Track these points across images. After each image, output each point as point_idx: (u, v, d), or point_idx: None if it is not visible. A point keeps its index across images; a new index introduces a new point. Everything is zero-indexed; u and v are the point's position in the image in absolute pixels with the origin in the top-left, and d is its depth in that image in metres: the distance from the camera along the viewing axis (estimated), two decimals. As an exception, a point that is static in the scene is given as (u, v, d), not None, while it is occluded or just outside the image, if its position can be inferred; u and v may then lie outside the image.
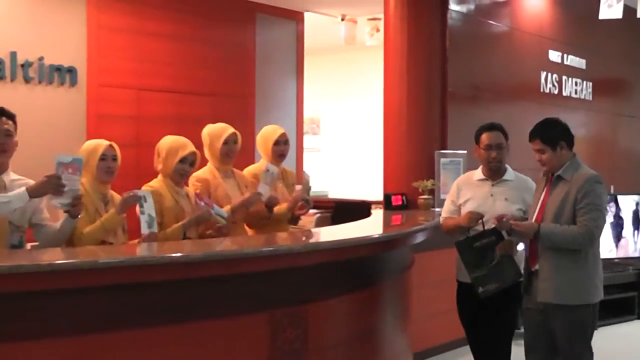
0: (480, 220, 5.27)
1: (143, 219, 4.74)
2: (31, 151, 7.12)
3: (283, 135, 6.09)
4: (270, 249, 4.36)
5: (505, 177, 5.51)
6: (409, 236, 5.66)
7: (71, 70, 7.84)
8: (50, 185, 4.31)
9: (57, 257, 3.79)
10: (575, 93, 10.95)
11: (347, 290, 5.00)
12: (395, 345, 5.81)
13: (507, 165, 5.58)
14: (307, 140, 12.06)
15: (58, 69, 7.73)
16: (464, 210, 5.46)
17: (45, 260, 3.69)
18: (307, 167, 10.77)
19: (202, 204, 5.10)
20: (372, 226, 6.08)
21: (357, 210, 7.60)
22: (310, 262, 4.50)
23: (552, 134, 5.06)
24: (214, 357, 4.19)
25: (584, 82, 11.18)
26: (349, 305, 5.05)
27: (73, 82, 7.86)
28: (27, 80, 7.50)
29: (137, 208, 4.79)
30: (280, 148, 6.06)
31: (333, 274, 4.86)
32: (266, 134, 6.13)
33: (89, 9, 8.00)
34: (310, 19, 10.49)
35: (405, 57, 7.68)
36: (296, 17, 10.33)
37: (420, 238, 5.91)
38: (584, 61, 11.12)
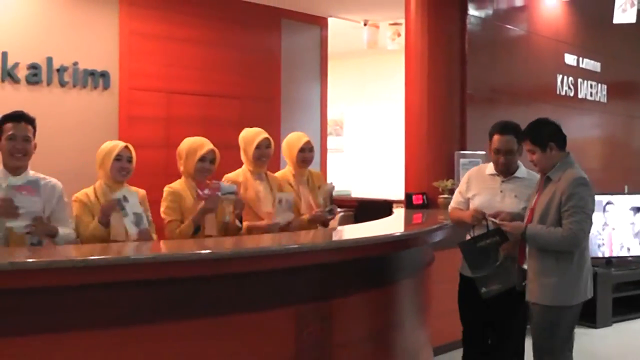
0: (484, 220, 5.19)
1: (128, 220, 4.71)
2: (65, 152, 7.23)
3: (308, 142, 6.05)
4: (296, 246, 4.36)
5: (516, 175, 5.39)
6: (429, 234, 5.64)
7: (104, 75, 7.89)
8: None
9: (90, 253, 3.81)
10: (590, 95, 10.88)
11: (370, 286, 5.01)
12: (416, 340, 5.81)
13: (519, 163, 5.47)
14: (331, 141, 12.06)
15: (92, 73, 7.79)
16: (473, 204, 5.38)
17: (79, 256, 3.72)
18: (330, 167, 10.76)
19: (206, 192, 5.05)
20: (393, 225, 6.07)
21: (379, 209, 7.59)
22: (334, 259, 4.50)
23: (541, 134, 4.93)
24: (241, 350, 4.19)
25: (599, 85, 11.12)
26: (371, 301, 5.06)
27: (106, 86, 7.92)
28: (62, 84, 7.56)
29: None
30: (305, 155, 6.03)
31: (356, 271, 4.86)
32: (291, 141, 6.10)
33: (121, 16, 8.06)
34: (334, 24, 10.49)
35: (426, 60, 7.67)
36: (320, 23, 10.33)
37: (440, 236, 5.89)
38: (598, 64, 11.05)
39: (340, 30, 10.69)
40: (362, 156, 13.79)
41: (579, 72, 10.55)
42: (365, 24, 10.66)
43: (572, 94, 10.34)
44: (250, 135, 5.77)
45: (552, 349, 4.91)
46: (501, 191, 5.35)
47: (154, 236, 5.01)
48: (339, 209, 8.19)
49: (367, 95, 13.70)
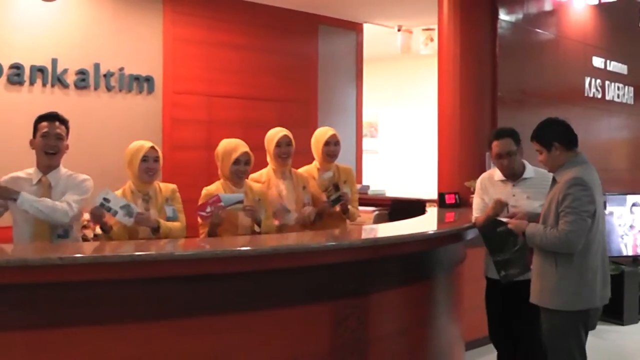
0: (506, 208, 5.17)
1: (119, 216, 4.67)
2: (111, 153, 7.28)
3: (333, 136, 6.01)
4: (333, 243, 4.36)
5: (525, 176, 5.37)
6: (461, 232, 5.61)
7: (148, 79, 7.94)
8: None
9: (136, 249, 3.83)
10: (618, 97, 10.79)
11: (404, 283, 5.00)
12: (448, 334, 5.79)
13: (525, 163, 5.44)
14: (366, 142, 12.05)
15: (137, 78, 7.85)
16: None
17: (127, 252, 3.74)
18: (365, 168, 10.77)
19: (208, 210, 4.97)
20: (426, 223, 6.05)
21: (412, 208, 7.56)
22: (369, 256, 4.49)
23: (545, 134, 4.83)
24: (281, 343, 4.21)
25: (626, 87, 11.02)
26: (405, 297, 5.04)
27: (150, 90, 7.97)
28: (109, 88, 7.62)
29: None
30: (330, 148, 5.99)
31: (391, 268, 4.86)
32: (318, 135, 6.09)
33: (164, 23, 8.11)
34: (369, 30, 10.48)
35: (458, 64, 7.63)
36: (356, 28, 10.33)
37: (471, 234, 5.85)
38: (625, 67, 10.96)
39: (375, 36, 10.67)
40: (396, 157, 13.76)
41: (607, 75, 10.46)
42: (399, 30, 10.63)
43: (599, 96, 10.26)
44: (271, 135, 5.79)
45: (558, 353, 4.75)
46: (514, 195, 5.34)
47: (179, 224, 5.03)
48: (374, 208, 8.21)
49: (401, 98, 13.66)
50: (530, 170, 5.41)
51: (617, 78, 10.73)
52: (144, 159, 4.94)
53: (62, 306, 3.60)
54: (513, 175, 5.37)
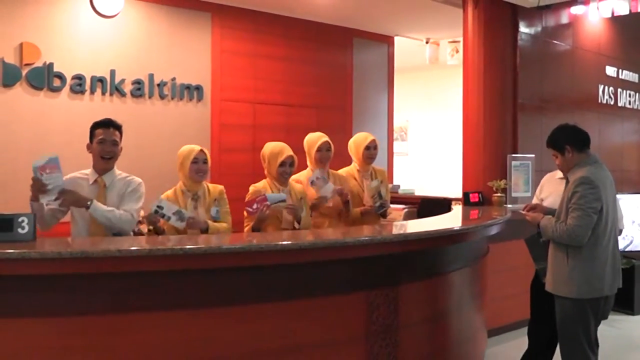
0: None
1: (173, 221, 4.74)
2: (165, 156, 7.34)
3: (373, 141, 6.06)
4: (367, 238, 4.35)
5: None
6: (484, 229, 5.58)
7: (198, 88, 7.98)
8: (34, 189, 4.26)
9: (187, 243, 3.85)
10: (630, 104, 10.65)
11: (432, 274, 4.98)
12: (472, 323, 5.76)
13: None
14: (397, 145, 12.04)
15: (187, 87, 7.88)
16: (544, 204, 5.30)
17: (178, 245, 3.75)
18: (396, 169, 10.74)
19: (255, 207, 5.02)
20: (452, 220, 6.01)
21: (439, 206, 7.54)
22: (400, 250, 4.47)
23: (557, 139, 4.82)
24: (318, 330, 4.21)
25: (637, 94, 10.87)
26: (433, 287, 5.03)
27: (200, 98, 8.00)
28: (162, 97, 7.67)
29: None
30: (370, 152, 6.04)
31: (419, 260, 4.86)
32: (358, 140, 6.11)
33: (213, 37, 8.15)
34: (400, 42, 10.46)
35: (482, 73, 7.59)
36: (387, 41, 10.30)
37: (494, 230, 5.83)
38: (637, 75, 10.81)
39: (405, 48, 10.65)
40: (424, 159, 13.72)
41: (619, 83, 10.34)
42: (427, 42, 10.60)
43: (612, 103, 10.15)
44: (313, 139, 5.80)
45: (567, 338, 4.71)
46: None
47: (225, 225, 5.05)
48: (404, 206, 8.19)
49: (429, 105, 13.62)
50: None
51: (628, 86, 10.60)
52: (194, 160, 4.97)
53: (122, 294, 3.64)
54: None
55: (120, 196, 4.65)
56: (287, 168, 5.29)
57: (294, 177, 5.57)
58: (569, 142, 4.75)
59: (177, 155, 5.07)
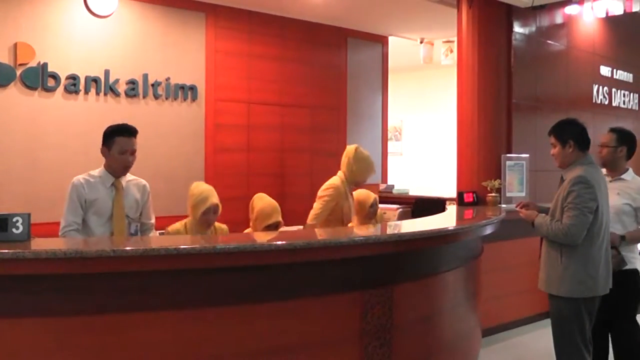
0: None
1: None
2: (160, 155, 7.34)
3: (375, 199, 6.32)
4: (362, 238, 4.36)
5: (622, 177, 5.45)
6: (478, 228, 5.60)
7: (192, 88, 7.97)
8: None
9: (182, 243, 3.85)
10: (624, 103, 10.69)
11: (426, 274, 4.99)
12: (467, 322, 5.77)
13: (629, 168, 5.52)
14: (391, 145, 12.05)
15: (182, 87, 7.88)
16: None
17: (172, 245, 3.75)
18: (390, 169, 10.74)
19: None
20: (447, 220, 6.03)
21: (434, 205, 7.55)
22: (395, 249, 4.48)
23: (563, 131, 4.85)
24: (313, 329, 4.22)
25: (631, 94, 10.92)
26: (427, 287, 5.04)
27: (194, 98, 8.00)
28: (156, 97, 7.66)
29: None
30: (374, 209, 6.30)
31: (414, 260, 4.87)
32: (362, 199, 6.32)
33: (207, 37, 8.15)
34: (394, 42, 10.46)
35: (476, 73, 7.61)
36: (381, 41, 10.31)
37: (488, 230, 5.84)
38: (631, 75, 10.86)
39: (399, 47, 10.66)
40: (418, 159, 13.73)
41: (613, 83, 10.37)
42: (421, 42, 10.61)
43: (606, 102, 10.18)
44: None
45: (562, 338, 4.75)
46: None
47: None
48: (398, 206, 8.20)
49: (423, 104, 13.64)
50: (629, 174, 5.50)
51: (623, 86, 10.63)
52: (206, 212, 5.04)
53: (115, 294, 3.64)
54: (611, 169, 5.48)
55: (136, 201, 4.71)
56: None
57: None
58: (574, 138, 4.80)
59: (189, 192, 5.15)
